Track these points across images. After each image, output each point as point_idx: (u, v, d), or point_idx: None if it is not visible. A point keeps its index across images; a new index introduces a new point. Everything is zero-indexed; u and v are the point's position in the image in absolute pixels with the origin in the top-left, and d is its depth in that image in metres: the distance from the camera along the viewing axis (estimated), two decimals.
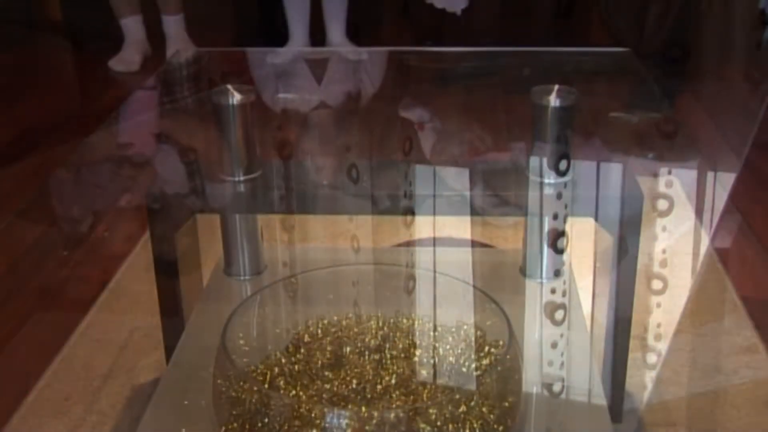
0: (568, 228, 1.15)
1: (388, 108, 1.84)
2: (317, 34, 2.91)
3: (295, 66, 2.19)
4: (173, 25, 2.89)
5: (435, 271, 0.91)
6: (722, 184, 1.90)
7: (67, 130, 2.35)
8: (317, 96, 2.06)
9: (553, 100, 1.02)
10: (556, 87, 1.04)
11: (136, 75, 2.81)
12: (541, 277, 1.13)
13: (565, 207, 1.06)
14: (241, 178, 1.09)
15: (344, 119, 1.95)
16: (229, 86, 1.09)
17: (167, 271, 1.11)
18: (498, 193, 1.04)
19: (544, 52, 1.44)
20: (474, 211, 1.05)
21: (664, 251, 1.56)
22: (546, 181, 1.04)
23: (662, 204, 1.72)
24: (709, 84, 2.47)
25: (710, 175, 1.94)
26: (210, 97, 1.10)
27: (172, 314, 1.13)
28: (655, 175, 1.82)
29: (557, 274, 1.14)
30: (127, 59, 2.82)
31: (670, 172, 1.81)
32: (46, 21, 3.42)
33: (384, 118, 1.77)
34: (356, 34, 2.92)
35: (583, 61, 1.43)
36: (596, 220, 1.05)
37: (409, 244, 1.57)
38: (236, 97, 1.07)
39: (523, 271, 1.14)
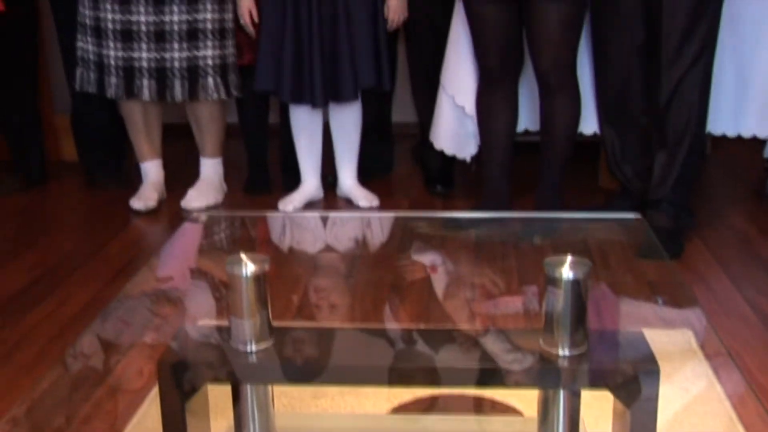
0: (584, 400, 1.13)
1: (396, 264, 1.85)
2: (329, 176, 2.94)
3: (305, 215, 2.21)
4: (210, 167, 2.96)
5: None
6: (734, 336, 1.89)
7: (80, 274, 2.36)
8: (323, 242, 2.07)
9: (566, 273, 1.02)
10: (569, 258, 1.04)
11: (149, 216, 2.85)
12: None
13: (581, 379, 1.05)
14: (254, 349, 1.08)
15: (353, 277, 1.95)
16: (243, 255, 1.09)
17: None
18: (512, 367, 1.03)
19: (555, 219, 1.45)
20: (487, 381, 1.04)
21: (681, 412, 1.53)
22: (560, 353, 1.03)
23: (676, 359, 1.70)
24: (717, 231, 2.48)
25: (722, 326, 1.93)
26: (224, 265, 1.10)
27: None
28: (669, 326, 1.80)
29: None
30: (145, 196, 2.88)
31: (682, 324, 1.79)
32: (61, 162, 3.49)
33: (392, 277, 1.76)
34: (368, 176, 2.95)
35: (594, 228, 1.44)
36: (612, 392, 1.04)
37: (423, 405, 1.55)
38: (250, 267, 1.08)
39: None
